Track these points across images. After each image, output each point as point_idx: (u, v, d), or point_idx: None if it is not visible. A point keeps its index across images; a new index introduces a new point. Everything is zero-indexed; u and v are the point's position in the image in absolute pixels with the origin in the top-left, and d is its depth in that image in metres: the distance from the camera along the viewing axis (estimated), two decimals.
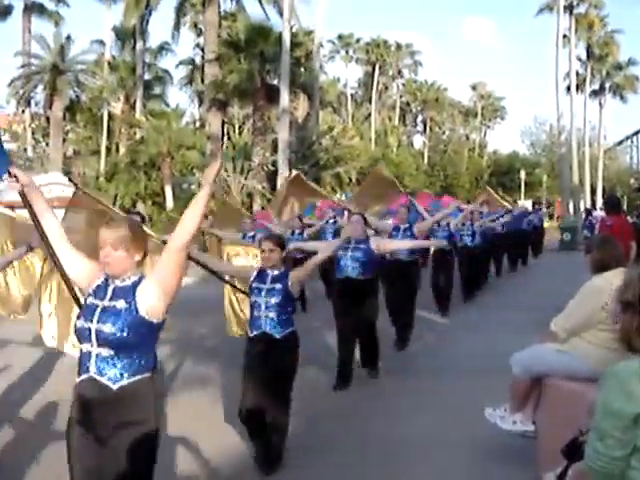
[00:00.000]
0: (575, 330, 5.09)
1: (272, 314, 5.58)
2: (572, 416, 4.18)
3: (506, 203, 22.31)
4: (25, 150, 44.19)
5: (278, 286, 5.65)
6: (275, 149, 30.93)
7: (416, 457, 5.91)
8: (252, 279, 5.82)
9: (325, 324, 9.97)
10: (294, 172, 13.51)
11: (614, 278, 4.98)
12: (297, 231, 13.71)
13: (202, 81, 42.97)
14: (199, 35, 48.86)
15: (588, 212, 35.43)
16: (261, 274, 5.78)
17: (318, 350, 9.27)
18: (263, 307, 5.62)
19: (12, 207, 26.32)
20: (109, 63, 44.71)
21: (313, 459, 5.87)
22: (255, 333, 5.67)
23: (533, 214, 27.13)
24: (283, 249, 5.80)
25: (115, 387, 3.31)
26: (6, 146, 31.97)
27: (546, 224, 53.87)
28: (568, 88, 47.49)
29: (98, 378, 3.34)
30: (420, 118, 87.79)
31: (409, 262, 10.56)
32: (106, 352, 3.33)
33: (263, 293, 5.65)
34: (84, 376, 3.39)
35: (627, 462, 2.51)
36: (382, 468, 5.70)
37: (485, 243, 16.40)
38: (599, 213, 40.25)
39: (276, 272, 5.73)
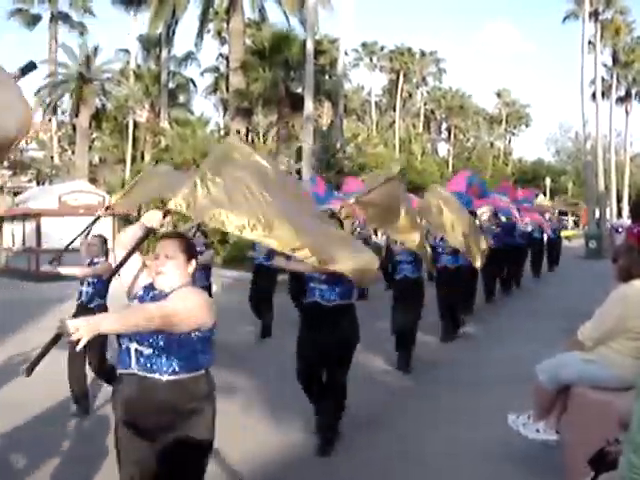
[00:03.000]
0: (602, 339, 5.04)
1: None
2: (599, 425, 4.14)
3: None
4: (52, 158, 44.59)
5: None
6: (299, 157, 30.90)
7: (437, 466, 5.87)
8: None
9: None
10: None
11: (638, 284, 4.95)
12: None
13: (227, 89, 43.15)
14: (223, 44, 49.15)
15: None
16: None
17: None
18: None
19: (39, 214, 26.52)
20: (134, 72, 45.07)
21: (331, 470, 5.85)
22: None
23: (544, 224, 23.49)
24: None
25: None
26: (33, 154, 32.01)
27: (572, 232, 53.72)
28: (594, 95, 47.16)
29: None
30: (444, 125, 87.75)
31: (339, 307, 6.18)
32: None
33: None
34: None
35: None
36: (403, 477, 5.67)
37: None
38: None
39: None
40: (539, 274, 21.91)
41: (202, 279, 9.50)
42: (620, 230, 30.72)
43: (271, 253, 11.28)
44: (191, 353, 3.60)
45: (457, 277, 11.88)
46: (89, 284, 7.56)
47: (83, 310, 7.21)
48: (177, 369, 3.57)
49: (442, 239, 11.34)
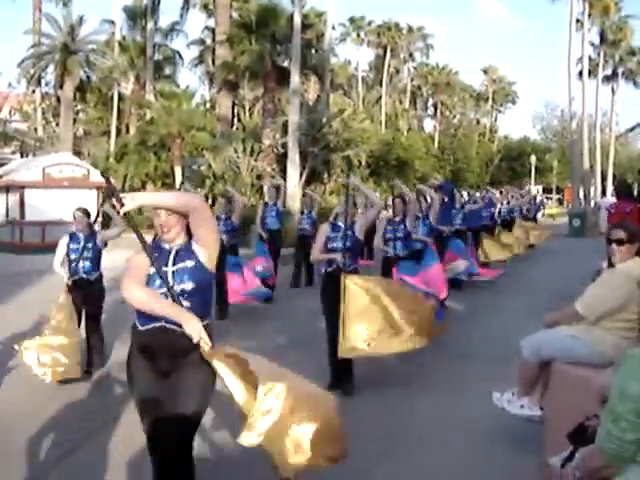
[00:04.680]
0: (604, 316, 5.02)
1: None
2: (579, 401, 4.18)
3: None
4: (35, 130, 44.17)
5: None
6: (285, 131, 30.78)
7: (420, 440, 5.92)
8: None
9: None
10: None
11: (633, 264, 4.96)
12: None
13: (213, 62, 42.83)
14: (209, 16, 48.71)
15: None
16: None
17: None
18: None
19: (23, 187, 26.26)
20: (119, 43, 44.52)
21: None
22: None
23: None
24: None
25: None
26: (17, 125, 31.72)
27: (556, 210, 53.94)
28: (580, 73, 47.15)
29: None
30: (431, 102, 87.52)
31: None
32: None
33: None
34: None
35: (638, 446, 2.51)
36: (384, 450, 5.71)
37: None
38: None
39: None
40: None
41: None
42: (612, 211, 30.72)
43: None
44: None
45: None
46: (85, 258, 7.96)
47: (85, 284, 7.91)
48: None
49: (389, 222, 10.09)
